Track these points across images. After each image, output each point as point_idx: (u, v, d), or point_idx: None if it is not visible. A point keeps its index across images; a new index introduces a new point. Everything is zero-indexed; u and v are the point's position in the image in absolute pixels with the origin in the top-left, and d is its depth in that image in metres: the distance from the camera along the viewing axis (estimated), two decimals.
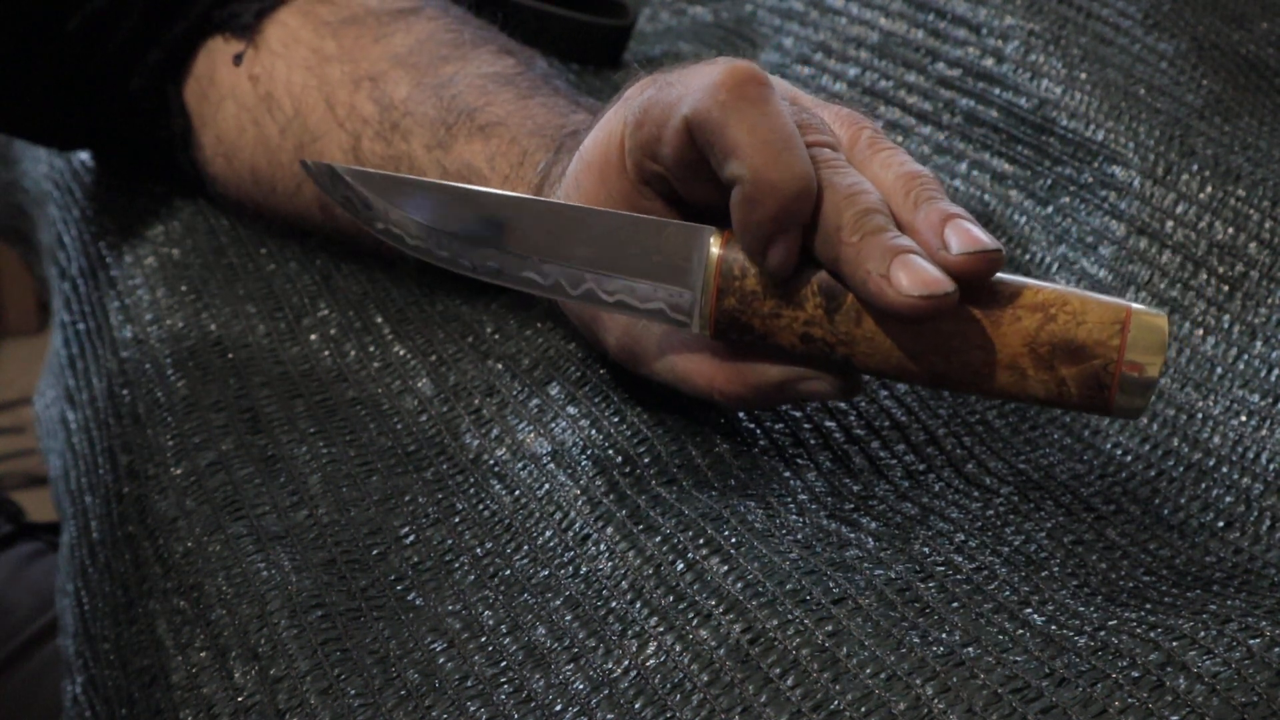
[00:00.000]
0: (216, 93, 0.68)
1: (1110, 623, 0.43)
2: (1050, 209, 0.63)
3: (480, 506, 0.54)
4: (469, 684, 0.47)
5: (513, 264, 0.50)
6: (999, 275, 0.46)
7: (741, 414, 0.55)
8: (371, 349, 0.62)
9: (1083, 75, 0.65)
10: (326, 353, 0.63)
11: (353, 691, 0.48)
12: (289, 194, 0.66)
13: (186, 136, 0.69)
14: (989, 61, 0.68)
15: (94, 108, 0.70)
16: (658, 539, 0.49)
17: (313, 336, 0.63)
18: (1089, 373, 0.45)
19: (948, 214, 0.46)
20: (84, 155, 0.80)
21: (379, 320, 0.64)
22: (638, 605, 0.47)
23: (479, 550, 0.52)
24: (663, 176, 0.49)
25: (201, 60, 0.68)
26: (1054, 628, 0.43)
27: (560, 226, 0.50)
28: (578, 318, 0.55)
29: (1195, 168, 0.60)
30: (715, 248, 0.48)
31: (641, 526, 0.50)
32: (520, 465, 0.55)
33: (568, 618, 0.48)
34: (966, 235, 0.45)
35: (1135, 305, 0.46)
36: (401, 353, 0.62)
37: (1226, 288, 0.57)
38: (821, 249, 0.46)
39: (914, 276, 0.44)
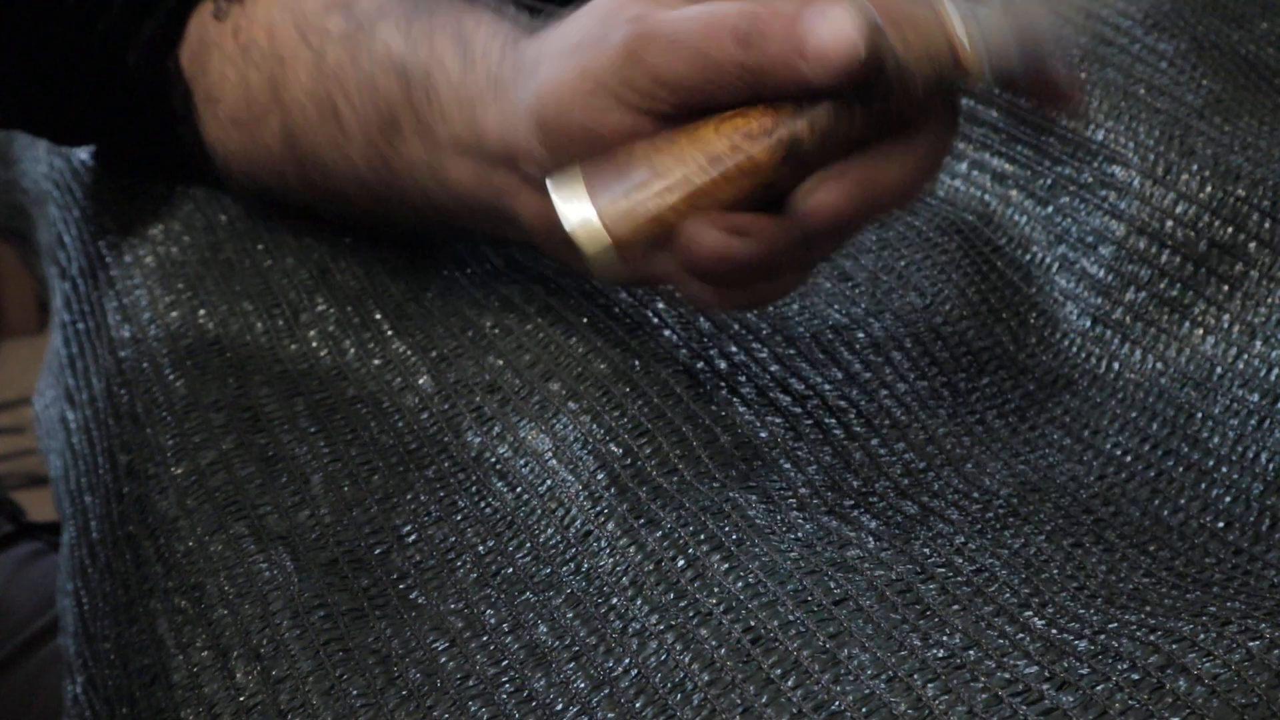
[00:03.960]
0: (205, 51, 0.68)
1: (1110, 625, 0.44)
2: (1050, 209, 0.63)
3: (482, 504, 0.54)
4: (470, 683, 0.47)
5: None
6: None
7: (742, 408, 0.55)
8: (371, 346, 0.62)
9: (1082, 75, 0.65)
10: (325, 351, 0.63)
11: (355, 692, 0.48)
12: (268, 143, 0.66)
13: (187, 103, 0.69)
14: None
15: (94, 89, 0.70)
16: (658, 534, 0.49)
17: (311, 333, 0.63)
18: None
19: None
20: (84, 155, 0.80)
21: (378, 316, 0.64)
22: (638, 602, 0.48)
23: (481, 548, 0.52)
24: None
25: (194, 25, 0.68)
26: (1054, 631, 0.43)
27: None
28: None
29: (1195, 167, 0.60)
30: None
31: (642, 521, 0.50)
32: (522, 462, 0.55)
33: (569, 615, 0.48)
34: None
35: None
36: (401, 349, 0.62)
37: (1226, 287, 0.57)
38: None
39: None
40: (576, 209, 0.50)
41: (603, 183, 0.50)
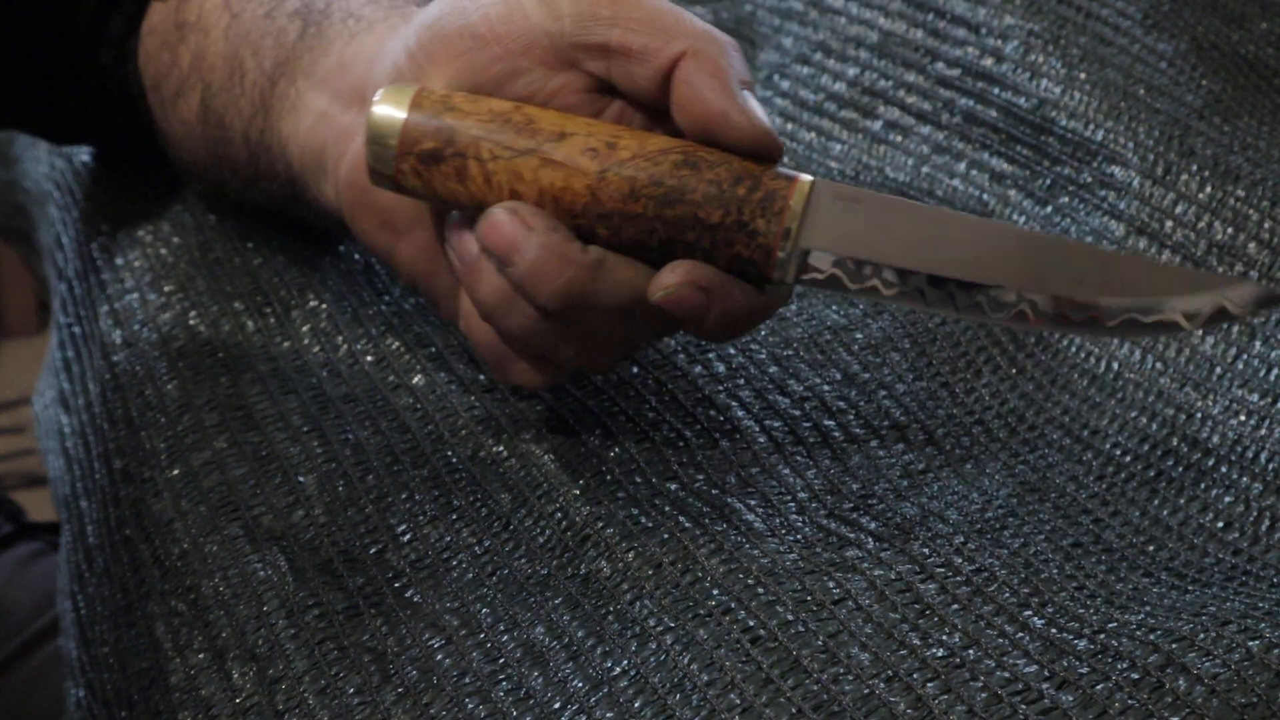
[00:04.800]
0: (151, 38, 0.68)
1: (1110, 625, 0.44)
2: (1049, 209, 0.63)
3: (478, 504, 0.54)
4: (467, 680, 0.47)
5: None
6: None
7: (740, 412, 0.55)
8: (364, 343, 0.62)
9: (1082, 75, 0.65)
10: (318, 348, 0.62)
11: (351, 690, 0.48)
12: (191, 120, 0.65)
13: (145, 96, 0.69)
14: (988, 61, 0.68)
15: (80, 90, 0.70)
16: (656, 539, 0.49)
17: (303, 329, 0.63)
18: None
19: None
20: (85, 156, 0.80)
21: (371, 313, 0.64)
22: (637, 606, 0.47)
23: (477, 549, 0.52)
24: None
25: (148, 17, 0.68)
26: (1054, 630, 0.43)
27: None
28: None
29: (1195, 168, 0.60)
30: None
31: (641, 526, 0.50)
32: (518, 463, 0.55)
33: (566, 617, 0.48)
34: None
35: None
36: (395, 346, 0.62)
37: None
38: None
39: None
40: (389, 109, 0.49)
41: (426, 108, 0.49)
